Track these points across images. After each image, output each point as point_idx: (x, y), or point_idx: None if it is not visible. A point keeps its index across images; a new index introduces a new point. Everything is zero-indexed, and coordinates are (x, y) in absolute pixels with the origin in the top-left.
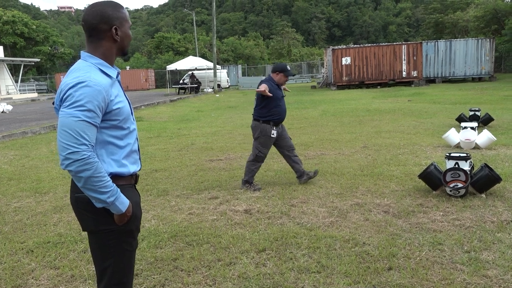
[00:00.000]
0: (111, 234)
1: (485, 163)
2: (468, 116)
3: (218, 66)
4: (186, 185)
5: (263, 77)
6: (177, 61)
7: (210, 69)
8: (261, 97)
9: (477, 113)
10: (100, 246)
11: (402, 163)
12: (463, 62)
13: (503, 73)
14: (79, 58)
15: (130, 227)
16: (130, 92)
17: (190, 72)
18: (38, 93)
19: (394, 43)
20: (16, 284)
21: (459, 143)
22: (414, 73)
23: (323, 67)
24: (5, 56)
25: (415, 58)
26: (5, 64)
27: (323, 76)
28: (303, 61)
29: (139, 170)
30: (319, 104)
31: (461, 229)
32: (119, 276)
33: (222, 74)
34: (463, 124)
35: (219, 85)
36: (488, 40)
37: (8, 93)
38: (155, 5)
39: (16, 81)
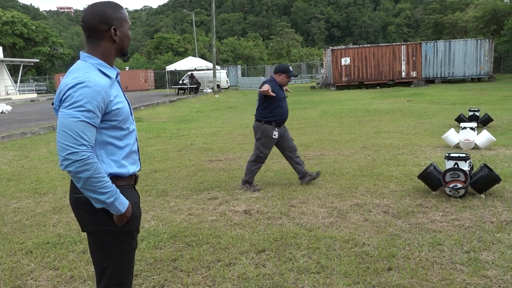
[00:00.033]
0: (110, 235)
1: (484, 164)
2: (467, 117)
3: (217, 67)
4: (185, 185)
5: (263, 78)
6: (176, 61)
7: (210, 69)
8: (263, 97)
9: (476, 113)
10: (100, 247)
11: (402, 163)
12: (462, 62)
13: (502, 74)
14: (79, 58)
15: (129, 228)
16: (129, 93)
17: (189, 73)
18: (37, 93)
19: (394, 44)
20: (16, 285)
21: (458, 143)
22: (414, 74)
23: (323, 67)
24: (4, 56)
25: (414, 58)
26: (4, 65)
27: (323, 76)
28: (302, 61)
29: (139, 170)
30: (318, 104)
31: (461, 229)
32: (119, 277)
33: (222, 75)
34: (462, 125)
35: (218, 86)
36: (487, 40)
37: (7, 94)
38: (155, 6)
39: (16, 82)
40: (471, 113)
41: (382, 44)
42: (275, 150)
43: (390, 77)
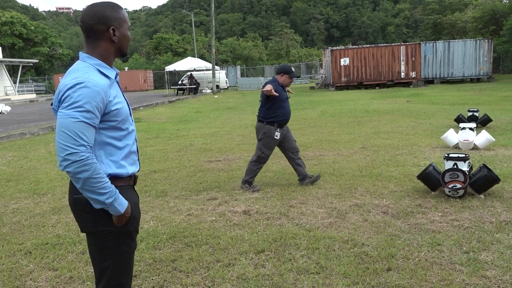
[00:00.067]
0: (109, 235)
1: (483, 164)
2: (466, 117)
3: (216, 67)
4: (184, 186)
5: (262, 78)
6: (175, 62)
7: (209, 70)
8: (266, 97)
9: (475, 113)
10: (99, 248)
11: (401, 163)
12: (461, 63)
13: (501, 74)
14: (78, 59)
15: (128, 228)
16: (128, 93)
17: (188, 73)
18: (36, 94)
19: (393, 44)
20: (15, 286)
21: (457, 143)
22: (413, 74)
23: (322, 68)
24: (3, 57)
25: (413, 59)
26: (4, 65)
27: (322, 77)
28: (301, 62)
29: (138, 171)
30: (317, 104)
31: (460, 229)
32: (118, 278)
33: (221, 75)
34: (461, 125)
35: (217, 86)
36: (486, 41)
37: (6, 94)
38: (154, 6)
39: (15, 82)
40: (470, 114)
41: (381, 44)
42: (275, 150)
43: (389, 77)
